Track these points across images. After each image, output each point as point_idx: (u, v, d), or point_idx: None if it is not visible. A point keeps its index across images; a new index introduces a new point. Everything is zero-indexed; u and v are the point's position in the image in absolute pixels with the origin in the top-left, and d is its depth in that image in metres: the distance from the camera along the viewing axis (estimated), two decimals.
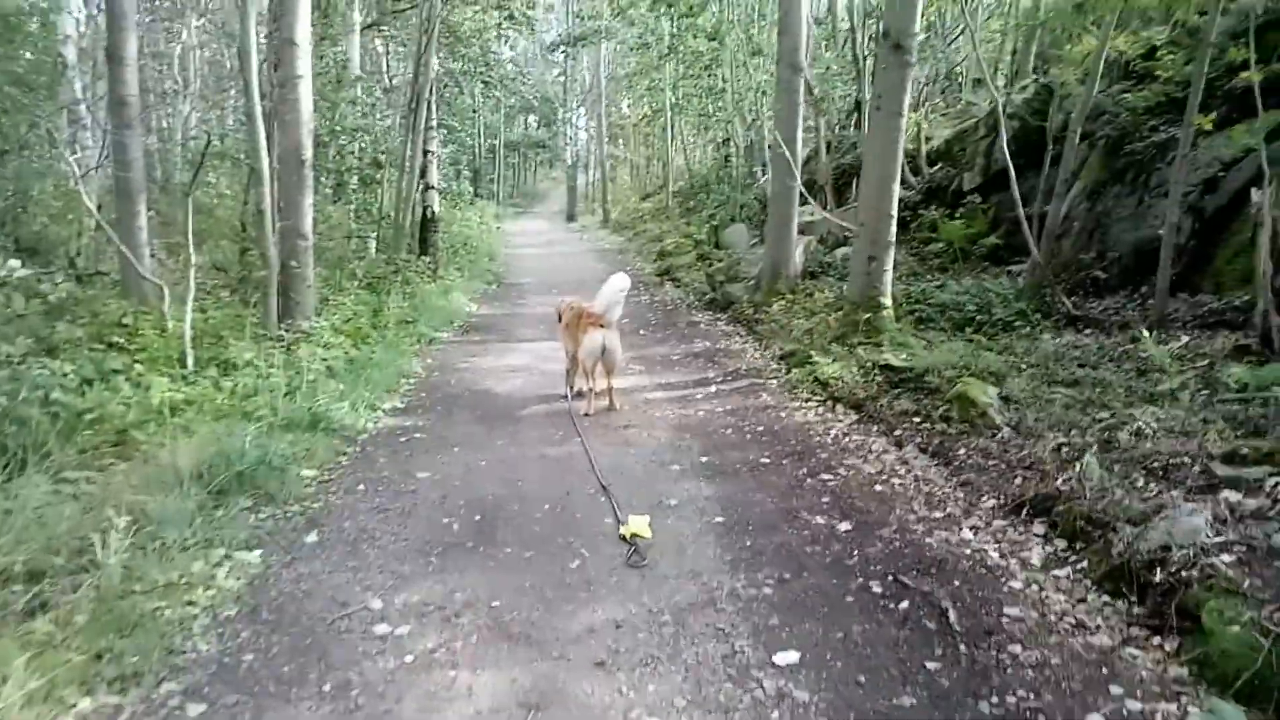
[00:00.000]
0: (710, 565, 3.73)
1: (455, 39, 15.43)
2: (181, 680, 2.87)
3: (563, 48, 32.14)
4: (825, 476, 4.83)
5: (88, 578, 3.36)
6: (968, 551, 3.74)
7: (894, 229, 7.59)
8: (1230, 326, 6.03)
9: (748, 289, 10.73)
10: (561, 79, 42.49)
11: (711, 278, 12.22)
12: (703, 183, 20.29)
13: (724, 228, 15.63)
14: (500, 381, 7.52)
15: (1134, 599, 3.11)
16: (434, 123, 13.97)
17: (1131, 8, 7.26)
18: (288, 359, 6.61)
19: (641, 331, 9.71)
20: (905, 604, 3.28)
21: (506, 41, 22.01)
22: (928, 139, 12.67)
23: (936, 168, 12.14)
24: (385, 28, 16.18)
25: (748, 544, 3.94)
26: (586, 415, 6.23)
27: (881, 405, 5.91)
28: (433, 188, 13.98)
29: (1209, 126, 6.50)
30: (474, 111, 24.53)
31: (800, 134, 10.48)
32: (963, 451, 4.87)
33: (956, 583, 3.43)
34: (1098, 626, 3.05)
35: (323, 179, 11.91)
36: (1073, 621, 3.10)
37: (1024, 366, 6.05)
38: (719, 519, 4.26)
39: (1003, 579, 3.46)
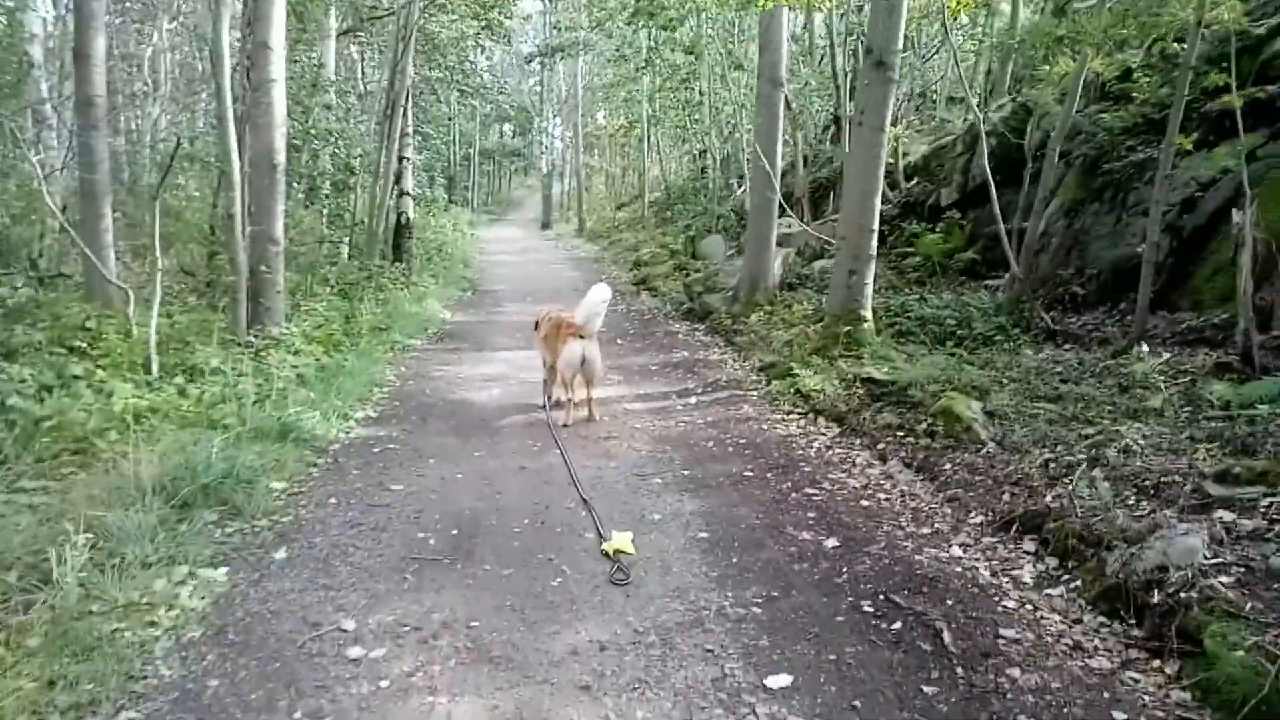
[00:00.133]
0: (696, 583, 3.62)
1: (433, 47, 15.30)
2: (142, 708, 2.69)
3: (540, 58, 32.07)
4: (810, 491, 4.74)
5: (42, 595, 3.19)
6: (958, 569, 3.67)
7: (875, 243, 7.56)
8: (1210, 344, 6.04)
9: (726, 300, 10.67)
10: (538, 89, 42.43)
11: (689, 288, 12.15)
12: (679, 193, 20.28)
13: (700, 238, 15.61)
14: (476, 391, 7.37)
15: (1132, 620, 3.05)
16: (409, 129, 13.82)
17: (1112, 38, 7.33)
18: (257, 366, 6.44)
19: (619, 341, 9.60)
20: (898, 624, 3.19)
21: (483, 52, 21.90)
22: (905, 154, 12.72)
23: (913, 183, 12.19)
24: (361, 34, 16.01)
25: (734, 560, 3.84)
26: (565, 426, 6.11)
27: (864, 419, 5.85)
28: (407, 194, 13.80)
29: (1189, 147, 6.54)
30: (449, 119, 24.38)
31: (780, 148, 10.47)
32: (948, 467, 4.81)
33: (949, 602, 3.34)
34: (1095, 648, 2.98)
35: (295, 184, 11.71)
36: (1070, 643, 3.02)
37: (1005, 381, 6.01)
38: (703, 534, 4.15)
39: (996, 598, 3.39)
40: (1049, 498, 4.04)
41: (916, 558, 3.79)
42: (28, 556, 3.45)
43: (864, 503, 4.56)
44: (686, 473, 5.11)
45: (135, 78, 17.60)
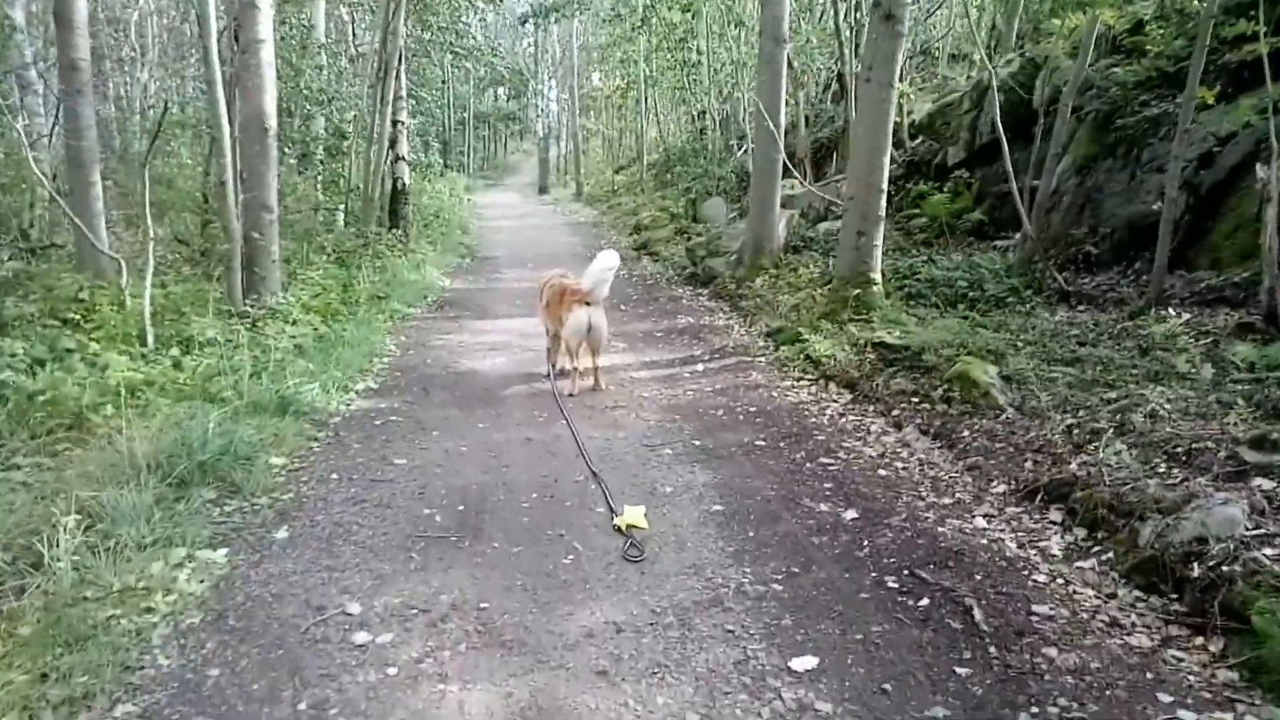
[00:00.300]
0: (713, 559, 3.49)
1: (424, 5, 14.89)
2: (139, 701, 2.56)
3: (534, 19, 31.42)
4: (825, 460, 4.61)
5: (34, 581, 3.06)
6: (984, 542, 3.54)
7: (884, 203, 7.36)
8: (1231, 304, 5.87)
9: (729, 264, 10.47)
10: (532, 51, 41.70)
11: (692, 252, 11.94)
12: (678, 156, 19.92)
13: (701, 201, 15.32)
14: (478, 360, 7.21)
15: (1171, 595, 2.93)
16: (403, 93, 13.50)
17: None
18: (253, 337, 6.29)
19: (623, 307, 9.42)
20: (925, 601, 3.07)
21: (476, 13, 21.41)
22: (909, 113, 12.44)
23: (918, 141, 11.92)
24: None
25: (750, 535, 3.71)
26: (571, 395, 5.96)
27: (877, 385, 5.70)
28: (403, 159, 13.52)
29: (1210, 100, 6.32)
30: (443, 82, 23.93)
31: (784, 106, 10.21)
32: (966, 434, 4.68)
33: (977, 577, 3.22)
34: (1134, 625, 2.86)
35: (287, 149, 11.45)
36: (1106, 620, 2.90)
37: (1021, 344, 5.85)
38: (718, 507, 4.03)
39: (1025, 572, 3.27)
40: (1074, 465, 3.91)
41: (939, 530, 3.67)
42: (22, 538, 3.32)
43: (881, 472, 4.43)
44: (697, 443, 4.97)
45: (122, 43, 17.21)
